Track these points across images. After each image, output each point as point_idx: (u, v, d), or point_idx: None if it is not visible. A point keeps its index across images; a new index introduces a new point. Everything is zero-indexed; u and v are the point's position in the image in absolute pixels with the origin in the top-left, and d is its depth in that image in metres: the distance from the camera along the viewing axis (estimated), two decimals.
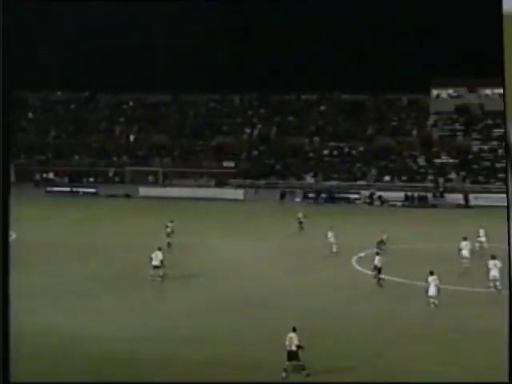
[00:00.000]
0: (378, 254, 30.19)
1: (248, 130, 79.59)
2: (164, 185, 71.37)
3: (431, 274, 25.89)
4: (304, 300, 26.43)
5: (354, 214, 55.08)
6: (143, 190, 66.79)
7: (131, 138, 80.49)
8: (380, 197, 62.23)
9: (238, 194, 65.28)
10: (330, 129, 78.18)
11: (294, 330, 19.22)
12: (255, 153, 76.66)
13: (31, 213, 51.65)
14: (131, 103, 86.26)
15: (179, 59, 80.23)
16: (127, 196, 65.26)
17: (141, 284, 29.32)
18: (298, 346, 18.81)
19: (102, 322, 23.72)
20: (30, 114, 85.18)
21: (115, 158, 77.89)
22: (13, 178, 75.95)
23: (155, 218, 49.94)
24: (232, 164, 74.74)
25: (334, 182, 69.28)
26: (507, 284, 21.55)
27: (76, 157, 78.46)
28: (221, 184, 69.87)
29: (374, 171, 70.35)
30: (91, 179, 74.69)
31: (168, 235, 37.26)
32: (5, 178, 11.52)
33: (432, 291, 25.53)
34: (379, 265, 29.26)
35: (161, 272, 29.55)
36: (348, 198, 63.80)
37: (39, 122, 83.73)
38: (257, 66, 77.46)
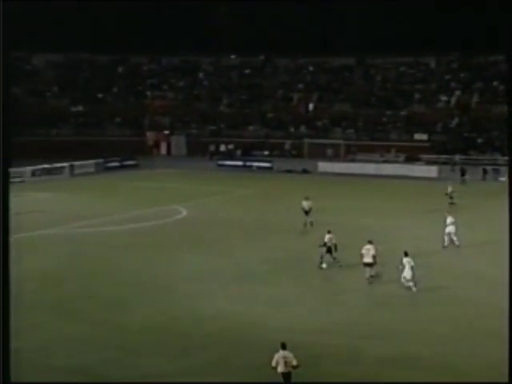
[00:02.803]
0: None
1: (444, 98, 77.08)
2: (346, 160, 71.10)
3: (406, 255, 26.15)
4: None
5: None
6: (323, 166, 66.89)
7: (310, 106, 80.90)
8: None
9: (431, 171, 63.48)
10: None
11: (284, 347, 16.70)
12: (452, 124, 74.12)
13: (201, 188, 53.79)
14: (311, 68, 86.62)
15: (364, 16, 79.24)
16: (305, 171, 65.69)
17: (316, 270, 29.23)
18: (294, 367, 16.43)
19: (275, 311, 24.00)
20: (202, 81, 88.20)
21: (292, 130, 78.75)
22: (184, 149, 79.63)
23: (334, 197, 50.12)
24: (425, 137, 72.85)
25: None
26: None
27: (250, 127, 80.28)
28: (411, 159, 68.39)
29: None
30: (266, 152, 76.16)
31: (306, 213, 37.35)
32: (5, 177, 11.78)
33: (407, 274, 25.79)
34: None
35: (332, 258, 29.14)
36: None
37: (211, 88, 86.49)
38: (455, 22, 74.32)
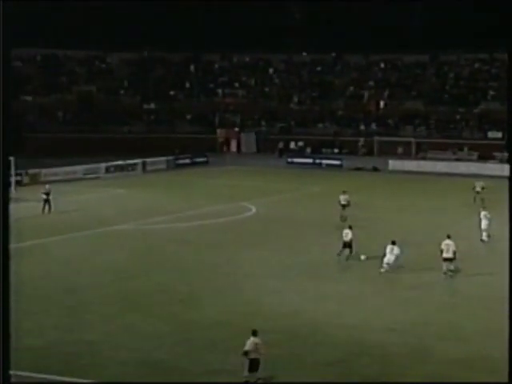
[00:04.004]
0: None
1: None
2: (417, 158, 70.22)
3: (393, 243, 27.53)
4: None
5: None
6: (393, 164, 66.21)
7: (381, 104, 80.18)
8: None
9: (505, 169, 62.02)
10: None
11: (255, 333, 17.36)
12: None
13: (271, 185, 53.91)
14: (382, 65, 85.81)
15: (436, 12, 78.07)
16: (375, 169, 65.13)
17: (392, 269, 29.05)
18: (261, 354, 17.04)
19: (346, 309, 23.94)
20: (273, 78, 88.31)
21: (363, 127, 78.20)
22: (254, 146, 79.97)
23: (404, 196, 49.65)
24: (499, 135, 71.32)
25: None
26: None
27: (320, 125, 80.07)
28: (485, 158, 67.08)
29: None
30: (336, 150, 75.85)
31: (343, 207, 38.12)
32: (4, 175, 11.92)
33: (389, 259, 27.45)
34: None
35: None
36: None
37: (282, 86, 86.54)
38: None
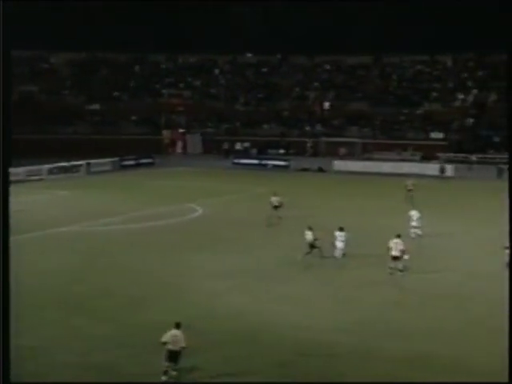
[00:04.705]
0: None
1: (461, 96, 76.73)
2: (362, 158, 70.94)
3: (341, 229, 29.74)
4: None
5: None
6: (339, 164, 66.79)
7: (326, 105, 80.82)
8: None
9: (448, 169, 63.22)
10: None
11: (178, 326, 17.84)
12: (469, 122, 73.76)
13: (217, 186, 53.83)
14: (327, 66, 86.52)
15: (380, 16, 79.00)
16: (321, 170, 65.60)
17: (339, 268, 29.25)
18: (183, 348, 17.45)
19: (294, 309, 23.99)
20: (219, 79, 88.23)
21: (308, 128, 78.69)
22: (200, 147, 79.77)
23: (349, 196, 50.13)
24: (441, 135, 72.63)
25: None
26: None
27: (266, 126, 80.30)
28: (428, 158, 68.16)
29: None
30: (282, 151, 76.15)
31: (275, 208, 38.48)
32: (5, 172, 11.83)
33: (338, 245, 29.59)
34: None
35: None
36: None
37: (228, 87, 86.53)
38: (471, 21, 74.02)
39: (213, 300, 24.72)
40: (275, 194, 39.66)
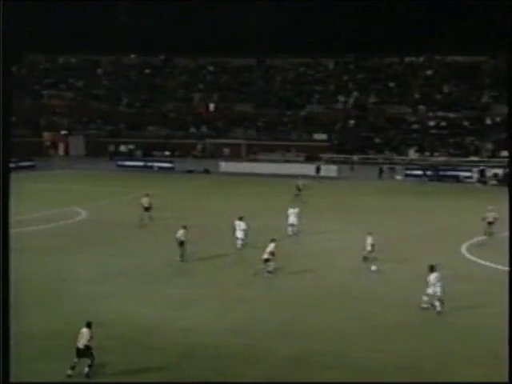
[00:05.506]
0: None
1: (343, 98, 78.68)
2: (247, 159, 71.55)
3: (240, 219, 31.89)
4: (403, 293, 25.79)
5: (464, 194, 53.63)
6: (224, 165, 67.12)
7: (211, 107, 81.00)
8: (496, 175, 60.25)
9: (331, 170, 64.68)
10: (438, 96, 76.25)
11: (89, 325, 18.51)
12: (350, 124, 75.75)
13: (101, 189, 53.01)
14: (211, 68, 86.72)
15: (265, 18, 79.94)
16: (206, 172, 65.73)
17: (222, 269, 29.39)
18: (87, 346, 18.15)
19: (181, 312, 23.89)
20: (102, 80, 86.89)
21: (193, 130, 78.63)
22: (83, 150, 78.29)
23: (235, 197, 50.44)
24: (324, 136, 74.20)
25: (441, 158, 67.72)
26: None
27: (151, 127, 79.67)
28: (311, 159, 69.47)
29: (489, 145, 68.28)
30: (167, 153, 75.77)
31: (146, 209, 38.86)
32: (5, 170, 11.61)
33: (239, 234, 31.76)
34: None
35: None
36: (457, 175, 62.10)
37: (111, 88, 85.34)
38: (352, 24, 76.18)
39: (99, 304, 24.28)
40: (147, 195, 39.86)
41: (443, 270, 24.71)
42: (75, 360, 18.18)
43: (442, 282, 23.57)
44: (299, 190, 47.48)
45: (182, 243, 30.20)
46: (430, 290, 23.46)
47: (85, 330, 18.42)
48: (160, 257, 30.88)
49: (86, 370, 18.14)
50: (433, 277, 23.57)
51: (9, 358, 11.57)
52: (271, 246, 28.05)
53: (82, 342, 18.24)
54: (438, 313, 23.24)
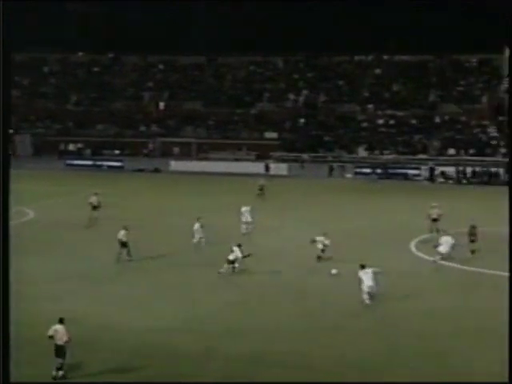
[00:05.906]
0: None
1: (293, 97, 79.00)
2: (198, 158, 71.37)
3: (198, 219, 32.12)
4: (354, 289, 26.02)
5: (413, 192, 54.34)
6: (175, 164, 66.87)
7: (161, 105, 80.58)
8: (443, 173, 61.23)
9: (282, 168, 64.90)
10: (387, 95, 77.15)
11: (61, 321, 18.58)
12: (301, 122, 76.10)
13: (49, 189, 52.32)
14: (161, 66, 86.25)
15: (214, 16, 79.86)
16: (157, 171, 65.40)
17: (171, 268, 29.29)
18: (66, 342, 18.22)
19: (129, 311, 23.74)
20: (49, 78, 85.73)
21: (143, 128, 78.14)
22: (30, 149, 77.09)
23: (187, 196, 50.30)
24: (274, 135, 74.39)
25: (390, 156, 68.50)
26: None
27: (100, 126, 78.91)
28: (262, 157, 69.58)
29: (436, 143, 69.31)
30: (116, 151, 75.13)
31: (94, 208, 38.76)
32: (5, 168, 11.48)
33: (198, 233, 31.92)
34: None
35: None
36: (406, 173, 62.91)
37: (58, 86, 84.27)
38: (303, 23, 76.65)
39: (48, 305, 23.95)
40: (96, 194, 39.74)
41: (392, 267, 25.01)
42: (60, 360, 18.05)
43: (375, 277, 24.09)
44: (261, 189, 47.79)
45: (123, 244, 30.05)
46: (363, 287, 24.14)
47: (59, 327, 18.33)
48: (108, 256, 30.60)
49: (61, 373, 17.97)
50: (362, 273, 24.26)
51: (9, 358, 12.03)
52: (236, 251, 28.15)
53: (62, 339, 18.06)
54: (366, 306, 23.76)
